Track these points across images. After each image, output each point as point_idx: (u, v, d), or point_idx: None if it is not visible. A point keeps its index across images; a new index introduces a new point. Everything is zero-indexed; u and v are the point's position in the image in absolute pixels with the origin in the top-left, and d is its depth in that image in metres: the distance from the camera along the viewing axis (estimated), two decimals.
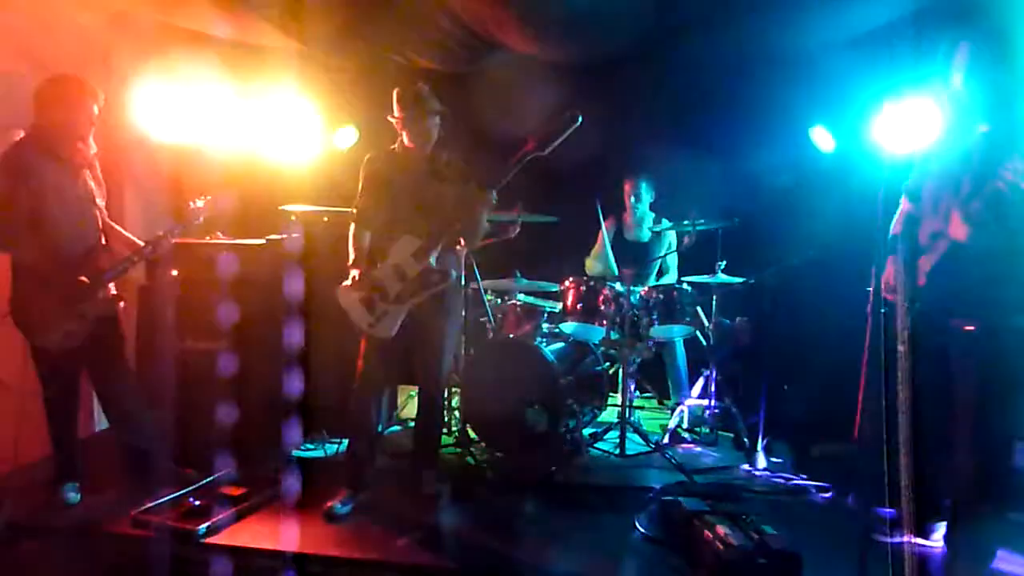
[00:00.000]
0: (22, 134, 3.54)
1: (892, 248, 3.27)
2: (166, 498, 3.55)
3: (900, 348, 2.56)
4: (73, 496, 3.69)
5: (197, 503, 3.51)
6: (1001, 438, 3.06)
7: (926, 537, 3.26)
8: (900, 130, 3.04)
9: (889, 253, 3.28)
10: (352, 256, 3.74)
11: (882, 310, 2.76)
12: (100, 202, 3.72)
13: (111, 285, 3.70)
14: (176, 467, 3.92)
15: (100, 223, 3.71)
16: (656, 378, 5.58)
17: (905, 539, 2.59)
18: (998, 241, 2.81)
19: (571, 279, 4.82)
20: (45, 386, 3.66)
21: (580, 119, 3.30)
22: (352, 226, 3.79)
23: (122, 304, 3.80)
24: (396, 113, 3.70)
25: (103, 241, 3.72)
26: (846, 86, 4.49)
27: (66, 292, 3.49)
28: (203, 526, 3.32)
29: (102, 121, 3.64)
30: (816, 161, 4.89)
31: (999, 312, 2.87)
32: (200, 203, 3.86)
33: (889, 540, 2.95)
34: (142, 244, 3.75)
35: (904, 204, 3.35)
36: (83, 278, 3.52)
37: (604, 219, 5.43)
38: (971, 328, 2.87)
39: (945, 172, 3.00)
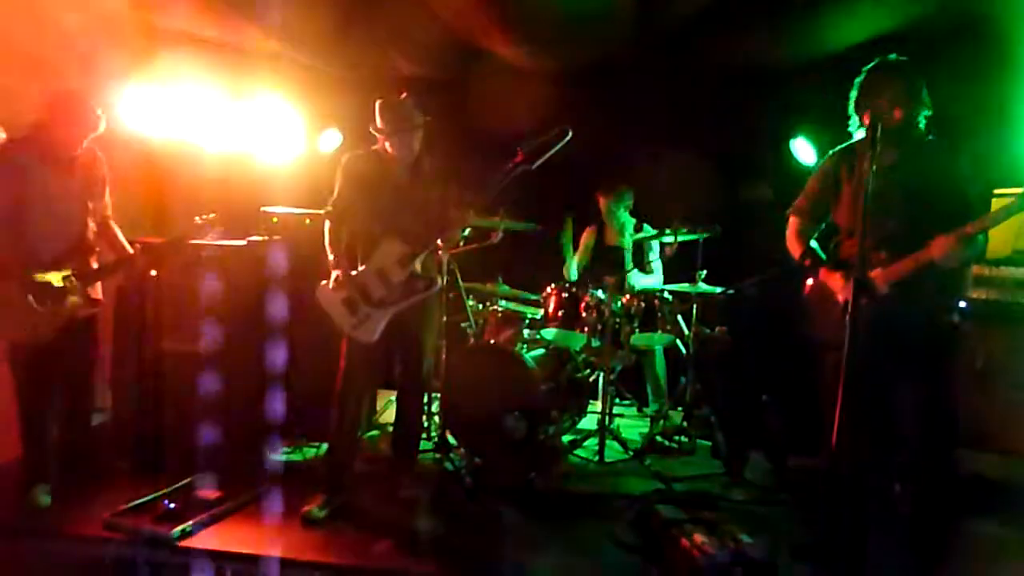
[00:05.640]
0: (1, 132, 3.54)
1: (806, 268, 3.28)
2: (140, 500, 3.52)
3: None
4: (44, 498, 3.64)
5: (172, 506, 3.47)
6: (946, 445, 3.11)
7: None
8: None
9: (807, 274, 3.29)
10: (331, 255, 3.72)
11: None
12: (94, 205, 3.74)
13: (93, 287, 3.73)
14: (115, 462, 4.02)
15: (90, 226, 3.72)
16: (636, 386, 5.60)
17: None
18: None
19: (553, 286, 4.85)
20: (19, 386, 3.64)
21: (570, 134, 3.32)
22: (327, 223, 3.77)
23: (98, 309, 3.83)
24: (378, 125, 3.69)
25: (90, 244, 3.73)
26: (827, 99, 4.55)
27: (40, 290, 3.49)
28: (177, 529, 3.28)
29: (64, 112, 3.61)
30: (797, 172, 4.94)
31: (949, 321, 2.97)
32: (207, 218, 3.84)
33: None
34: (131, 252, 3.81)
35: (796, 222, 3.39)
36: (59, 280, 3.54)
37: (585, 227, 5.46)
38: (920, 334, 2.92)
39: (886, 191, 2.90)
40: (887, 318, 2.89)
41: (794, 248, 3.39)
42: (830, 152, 3.31)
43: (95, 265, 3.75)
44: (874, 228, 2.84)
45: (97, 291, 3.81)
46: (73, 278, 3.61)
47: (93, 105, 3.59)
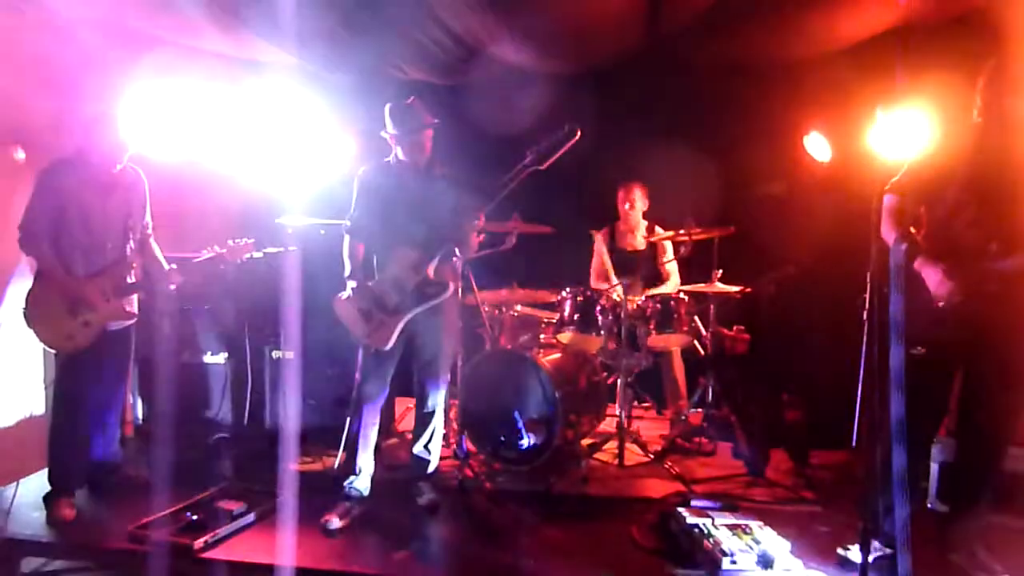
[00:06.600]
0: (22, 153, 3.65)
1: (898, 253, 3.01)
2: (163, 512, 3.54)
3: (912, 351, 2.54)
4: (70, 511, 3.67)
5: (194, 517, 3.49)
6: (992, 442, 3.05)
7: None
8: (893, 137, 3.05)
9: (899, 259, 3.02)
10: (348, 268, 3.77)
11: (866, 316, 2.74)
12: (133, 223, 3.87)
13: (128, 301, 3.86)
14: (130, 475, 4.06)
15: (128, 242, 3.85)
16: (654, 388, 5.56)
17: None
18: None
19: (568, 289, 4.83)
20: (55, 400, 3.75)
21: (579, 133, 3.31)
22: (346, 237, 3.82)
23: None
24: (389, 129, 3.72)
25: (127, 259, 3.84)
26: (841, 94, 4.51)
27: (74, 299, 3.65)
28: (200, 540, 3.30)
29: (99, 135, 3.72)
30: (811, 169, 4.90)
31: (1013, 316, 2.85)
32: (242, 242, 3.99)
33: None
34: (167, 268, 3.93)
35: (896, 201, 3.11)
36: (95, 293, 3.68)
37: (598, 230, 5.43)
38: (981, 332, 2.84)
39: (975, 175, 2.84)
40: (980, 316, 2.80)
41: (888, 231, 3.09)
42: (931, 128, 3.14)
43: (131, 280, 3.85)
44: (985, 218, 2.77)
45: (132, 305, 3.91)
46: (109, 292, 3.73)
47: (122, 127, 3.74)
